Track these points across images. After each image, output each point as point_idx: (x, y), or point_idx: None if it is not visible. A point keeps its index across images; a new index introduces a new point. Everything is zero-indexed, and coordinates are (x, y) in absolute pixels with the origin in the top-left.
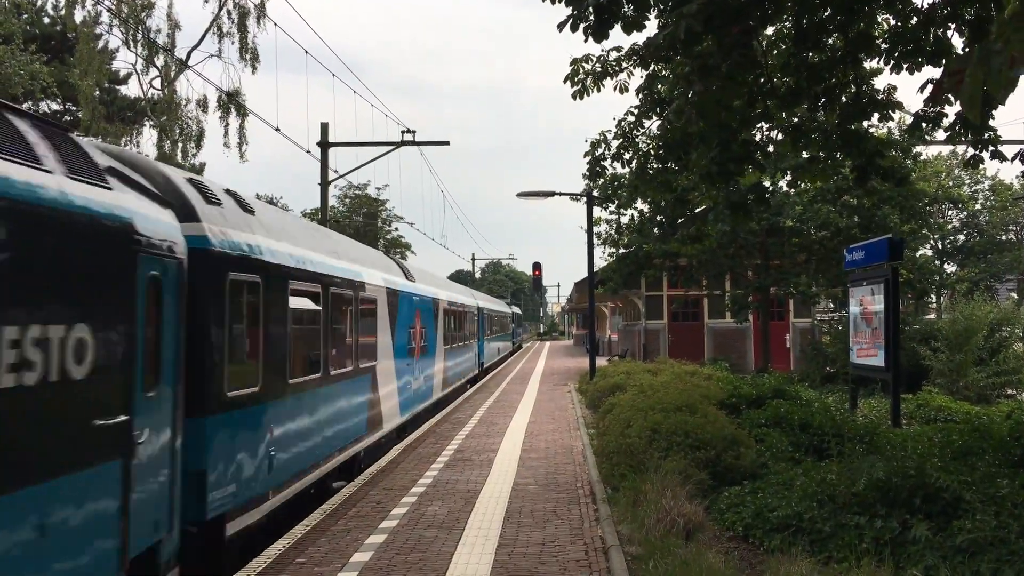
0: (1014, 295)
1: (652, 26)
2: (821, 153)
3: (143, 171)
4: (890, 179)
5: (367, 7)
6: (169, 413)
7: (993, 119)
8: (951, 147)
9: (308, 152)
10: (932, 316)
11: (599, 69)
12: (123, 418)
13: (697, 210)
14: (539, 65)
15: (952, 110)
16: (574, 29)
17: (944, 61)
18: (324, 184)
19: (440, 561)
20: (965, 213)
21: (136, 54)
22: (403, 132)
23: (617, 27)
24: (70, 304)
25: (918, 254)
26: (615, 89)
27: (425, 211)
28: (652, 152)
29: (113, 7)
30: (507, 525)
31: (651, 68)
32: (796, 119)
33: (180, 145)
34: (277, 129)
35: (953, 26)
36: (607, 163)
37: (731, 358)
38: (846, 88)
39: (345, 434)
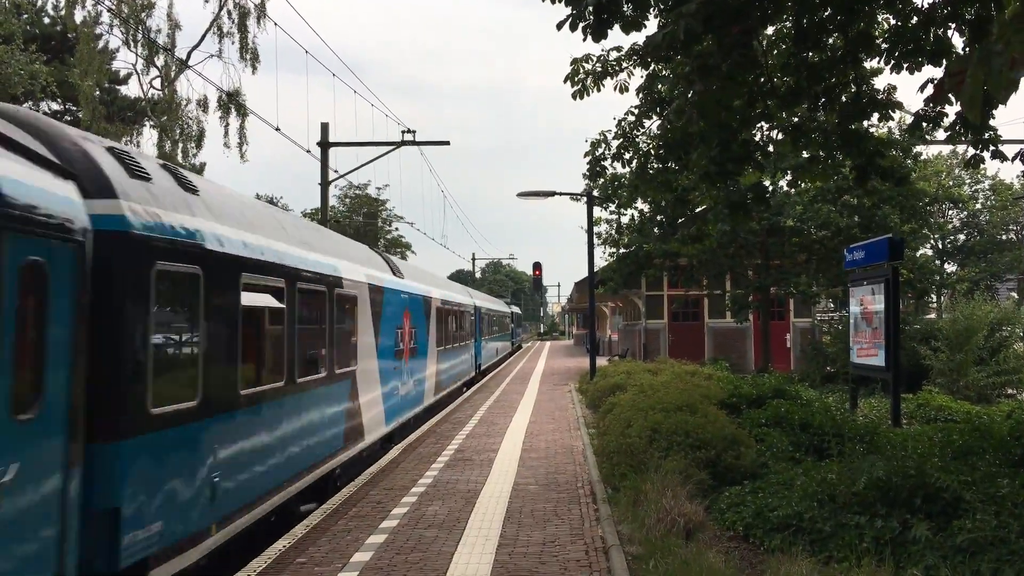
0: (1014, 295)
1: (652, 26)
2: (821, 153)
3: (41, 134)
4: (890, 179)
5: (367, 7)
6: (59, 439)
7: (993, 119)
8: (951, 147)
9: (308, 152)
10: (932, 316)
11: (599, 69)
12: None
13: (697, 210)
14: (539, 65)
15: (952, 110)
16: (573, 28)
17: (944, 61)
18: (324, 184)
19: (440, 561)
20: (965, 213)
21: (136, 54)
22: (403, 132)
23: (617, 27)
24: None
25: (918, 254)
26: (615, 89)
27: (425, 211)
28: (652, 152)
29: (113, 7)
30: (507, 525)
31: (651, 68)
32: (796, 119)
33: (180, 145)
34: (277, 129)
35: (953, 26)
36: (607, 163)
37: (731, 358)
38: (846, 88)
39: (316, 450)
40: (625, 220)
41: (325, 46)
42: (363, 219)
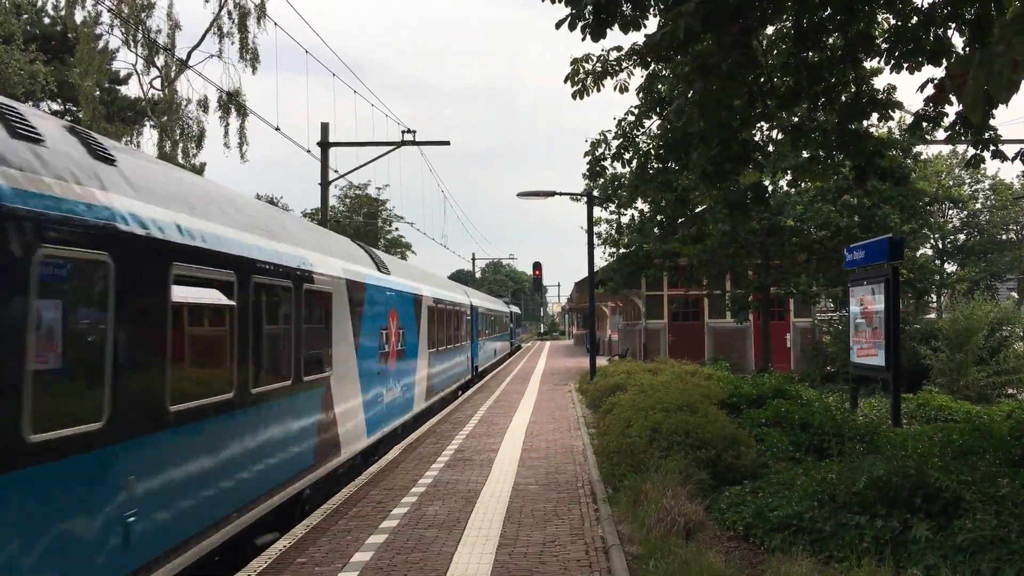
0: (1014, 294)
1: (651, 25)
2: (821, 153)
3: None
4: (889, 179)
5: (367, 7)
6: None
7: (993, 118)
8: (951, 146)
9: (308, 152)
10: (932, 315)
11: (599, 69)
12: None
13: (697, 210)
14: (539, 65)
15: (952, 110)
16: (572, 28)
17: (944, 61)
18: (324, 184)
19: (441, 561)
20: (965, 212)
21: (136, 54)
22: (403, 132)
23: (616, 26)
24: None
25: (918, 254)
26: (615, 89)
27: (425, 211)
28: (652, 152)
29: (113, 7)
30: (507, 525)
31: (651, 68)
32: (796, 119)
33: (181, 145)
34: (277, 129)
35: (953, 26)
36: (607, 163)
37: (731, 358)
38: (846, 88)
39: (276, 471)
40: (625, 220)
41: (325, 46)
42: (363, 219)
